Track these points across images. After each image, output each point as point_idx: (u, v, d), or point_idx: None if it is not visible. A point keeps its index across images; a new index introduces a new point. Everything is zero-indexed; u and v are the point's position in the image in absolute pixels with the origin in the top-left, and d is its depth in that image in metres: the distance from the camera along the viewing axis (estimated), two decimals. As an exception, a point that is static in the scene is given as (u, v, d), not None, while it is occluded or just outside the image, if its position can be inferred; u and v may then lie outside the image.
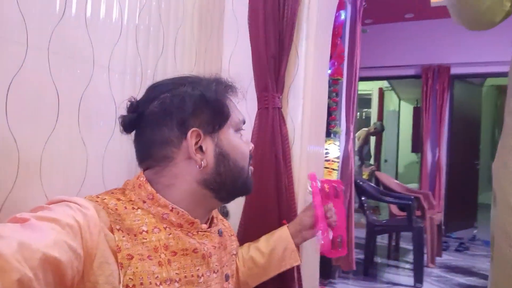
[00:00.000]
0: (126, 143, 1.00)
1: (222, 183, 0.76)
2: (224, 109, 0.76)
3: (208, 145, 0.74)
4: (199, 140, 0.73)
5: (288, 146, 1.19)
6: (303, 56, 1.25)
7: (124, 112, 0.77)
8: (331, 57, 1.63)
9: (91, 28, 0.90)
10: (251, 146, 0.84)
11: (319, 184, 0.98)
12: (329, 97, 1.94)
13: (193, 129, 0.72)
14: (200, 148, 0.73)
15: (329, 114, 2.15)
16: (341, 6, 2.01)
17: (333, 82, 2.03)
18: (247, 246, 1.01)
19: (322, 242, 0.94)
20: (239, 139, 0.80)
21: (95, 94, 0.92)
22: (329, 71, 1.91)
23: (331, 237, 0.95)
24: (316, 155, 1.35)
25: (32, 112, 0.77)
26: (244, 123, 0.83)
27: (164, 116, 0.73)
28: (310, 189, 0.98)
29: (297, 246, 1.00)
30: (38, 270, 0.49)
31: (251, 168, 0.83)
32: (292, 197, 1.17)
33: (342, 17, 2.06)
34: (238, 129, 0.81)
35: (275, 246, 0.98)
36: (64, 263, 0.53)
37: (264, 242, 1.00)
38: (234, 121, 0.79)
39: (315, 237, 0.97)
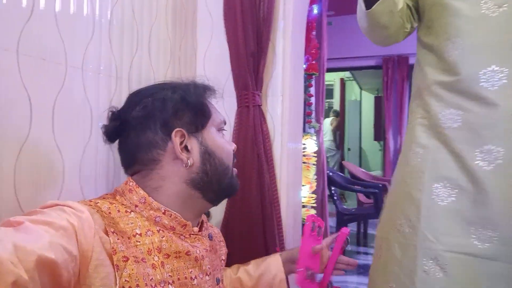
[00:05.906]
0: (102, 149, 0.96)
1: (209, 182, 0.76)
2: (204, 108, 0.78)
3: (193, 144, 0.75)
4: (184, 139, 0.74)
5: (269, 144, 1.18)
6: (280, 52, 1.24)
7: (104, 120, 0.77)
8: (305, 52, 1.63)
9: (61, 26, 0.83)
10: (234, 146, 0.85)
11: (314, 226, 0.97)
12: (305, 92, 1.95)
13: (177, 129, 0.73)
14: (186, 148, 0.74)
15: (305, 109, 2.17)
16: (313, 0, 2.00)
17: (308, 77, 2.04)
18: (236, 267, 0.99)
19: (297, 278, 0.93)
20: (223, 139, 0.82)
21: (69, 97, 0.86)
22: (304, 66, 1.91)
23: (307, 275, 0.93)
24: (295, 152, 1.34)
25: (2, 121, 0.71)
26: (225, 123, 0.85)
27: (147, 119, 0.74)
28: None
29: (285, 275, 0.98)
30: (33, 272, 0.48)
31: (235, 169, 0.83)
32: (275, 196, 1.16)
33: (315, 11, 2.06)
34: (220, 129, 0.82)
35: (265, 271, 0.97)
36: (60, 265, 0.52)
37: (254, 266, 0.99)
38: (215, 121, 0.80)
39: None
